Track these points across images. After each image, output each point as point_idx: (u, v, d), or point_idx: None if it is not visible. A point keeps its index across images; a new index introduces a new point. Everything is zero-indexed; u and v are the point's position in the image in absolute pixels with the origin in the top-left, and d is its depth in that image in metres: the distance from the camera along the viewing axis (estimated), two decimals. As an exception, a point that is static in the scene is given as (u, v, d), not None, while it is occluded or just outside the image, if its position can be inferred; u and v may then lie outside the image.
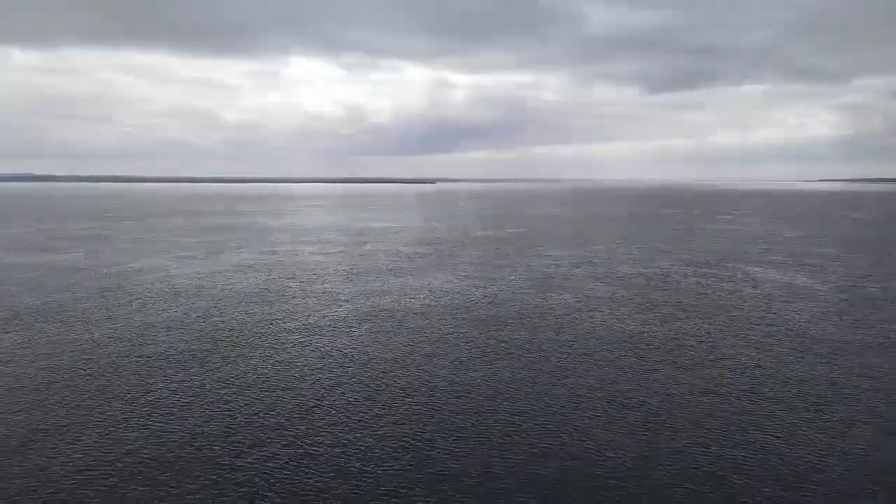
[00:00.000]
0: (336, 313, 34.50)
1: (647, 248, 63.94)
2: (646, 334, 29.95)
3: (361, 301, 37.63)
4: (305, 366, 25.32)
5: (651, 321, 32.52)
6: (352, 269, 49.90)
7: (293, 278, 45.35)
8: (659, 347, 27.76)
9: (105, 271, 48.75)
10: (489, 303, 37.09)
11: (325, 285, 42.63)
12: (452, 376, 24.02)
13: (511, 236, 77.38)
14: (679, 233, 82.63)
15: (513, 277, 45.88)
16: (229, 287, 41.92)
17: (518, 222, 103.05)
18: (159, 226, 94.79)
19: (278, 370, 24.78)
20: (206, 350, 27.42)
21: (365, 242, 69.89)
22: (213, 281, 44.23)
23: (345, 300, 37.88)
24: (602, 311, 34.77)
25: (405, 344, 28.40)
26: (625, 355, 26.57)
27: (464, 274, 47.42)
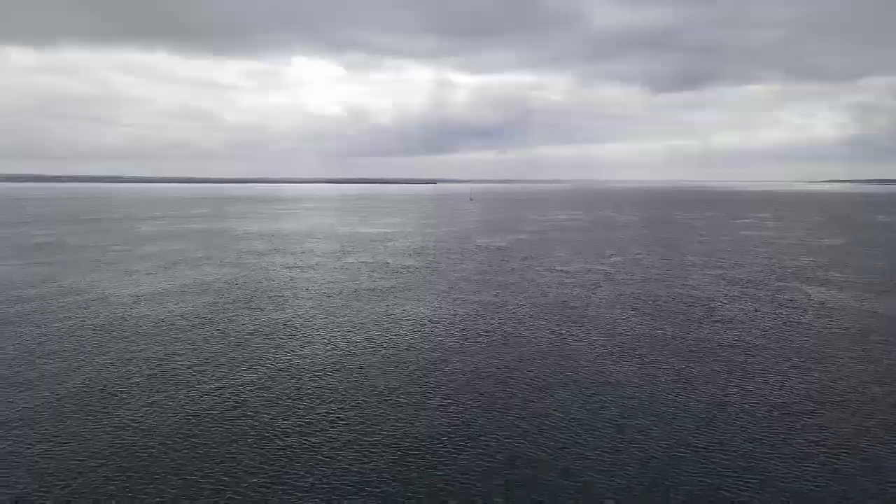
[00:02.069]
0: (284, 363, 25.65)
1: (675, 261, 55.04)
2: (713, 402, 21.07)
3: (324, 341, 28.79)
4: (215, 461, 16.52)
5: (716, 378, 23.62)
6: (324, 290, 41.09)
7: (248, 304, 36.54)
8: (740, 427, 18.89)
9: (24, 292, 40.02)
10: (491, 342, 28.26)
11: (284, 314, 33.81)
12: (435, 465, 15.22)
13: (516, 245, 68.54)
14: (704, 240, 73.69)
15: (521, 301, 37.06)
16: (161, 317, 33.11)
17: (523, 227, 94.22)
18: (129, 231, 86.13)
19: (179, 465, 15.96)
20: (88, 428, 18.61)
21: (349, 252, 61.09)
22: (147, 308, 35.44)
23: (302, 338, 29.02)
24: (643, 359, 25.88)
25: (372, 412, 19.58)
26: (688, 438, 17.72)
27: (460, 296, 38.60)
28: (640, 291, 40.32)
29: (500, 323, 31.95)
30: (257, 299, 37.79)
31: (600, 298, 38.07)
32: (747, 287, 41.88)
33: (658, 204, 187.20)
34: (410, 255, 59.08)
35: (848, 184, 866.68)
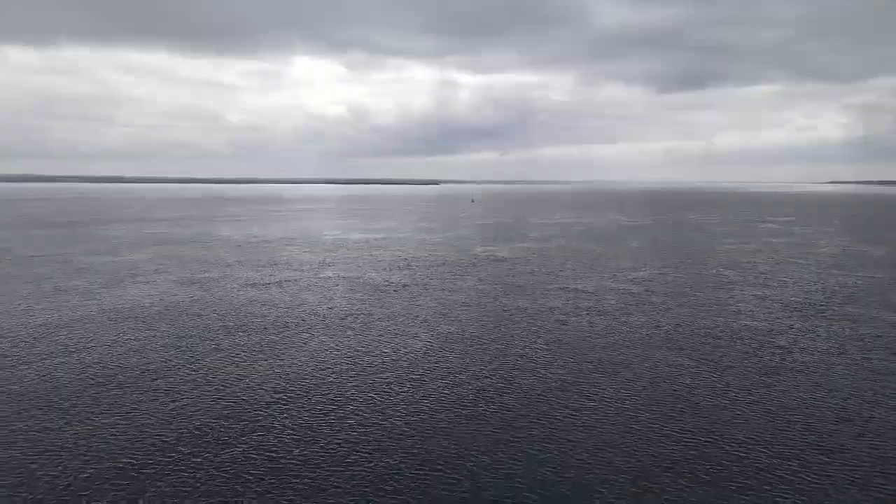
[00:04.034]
0: (196, 443, 17.48)
1: (707, 276, 46.86)
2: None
3: (263, 403, 20.60)
4: None
5: (839, 484, 15.48)
6: (284, 317, 32.93)
7: (177, 342, 28.33)
8: None
9: None
10: (494, 405, 20.11)
11: (219, 358, 25.60)
12: None
13: (521, 255, 60.36)
14: (731, 249, 65.43)
15: (531, 336, 28.93)
16: (55, 365, 24.89)
17: (529, 233, 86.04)
18: (95, 237, 78.04)
19: None
20: None
21: (329, 264, 52.96)
22: (46, 345, 27.26)
23: (233, 400, 20.85)
24: (717, 444, 17.67)
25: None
26: None
27: (454, 329, 30.47)
28: (679, 322, 32.14)
29: (505, 373, 23.79)
30: (194, 334, 29.62)
31: (632, 333, 29.88)
32: (811, 315, 33.66)
33: (666, 206, 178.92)
34: (399, 268, 50.94)
35: (852, 185, 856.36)
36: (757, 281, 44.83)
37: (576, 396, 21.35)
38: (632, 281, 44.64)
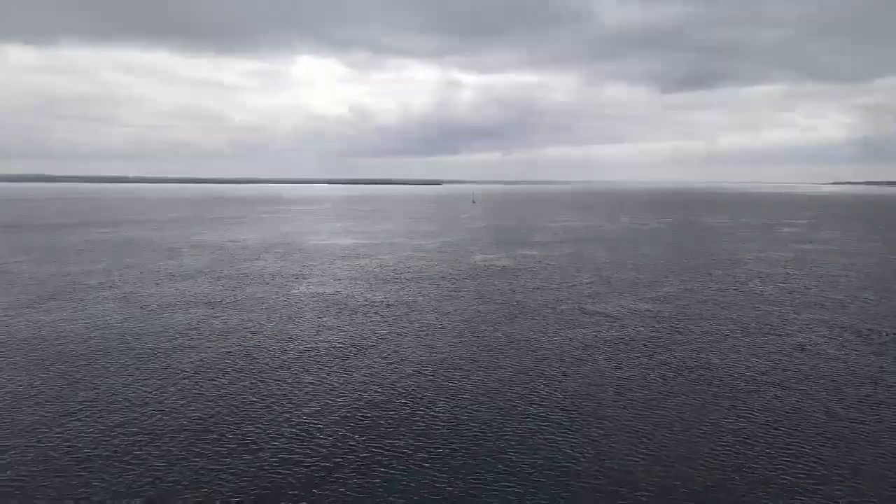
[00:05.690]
0: None
1: (744, 292, 40.03)
2: None
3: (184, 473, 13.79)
4: None
5: None
6: (229, 352, 26.06)
7: (87, 381, 21.59)
8: None
9: None
10: (497, 490, 13.34)
11: (130, 409, 18.82)
12: None
13: (525, 264, 53.52)
14: (761, 257, 58.54)
15: (543, 381, 22.13)
16: None
17: (532, 237, 79.15)
18: (55, 242, 71.30)
19: None
20: None
21: (306, 276, 46.16)
22: None
23: (143, 476, 14.07)
24: None
25: None
26: None
27: (442, 371, 23.63)
28: (729, 360, 25.27)
29: (507, 439, 16.98)
30: (108, 376, 22.78)
31: (672, 378, 23.00)
32: (892, 348, 26.80)
33: (671, 207, 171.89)
34: (385, 280, 44.16)
35: (858, 185, 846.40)
36: (807, 300, 37.97)
37: (607, 469, 14.54)
38: (657, 300, 37.81)
